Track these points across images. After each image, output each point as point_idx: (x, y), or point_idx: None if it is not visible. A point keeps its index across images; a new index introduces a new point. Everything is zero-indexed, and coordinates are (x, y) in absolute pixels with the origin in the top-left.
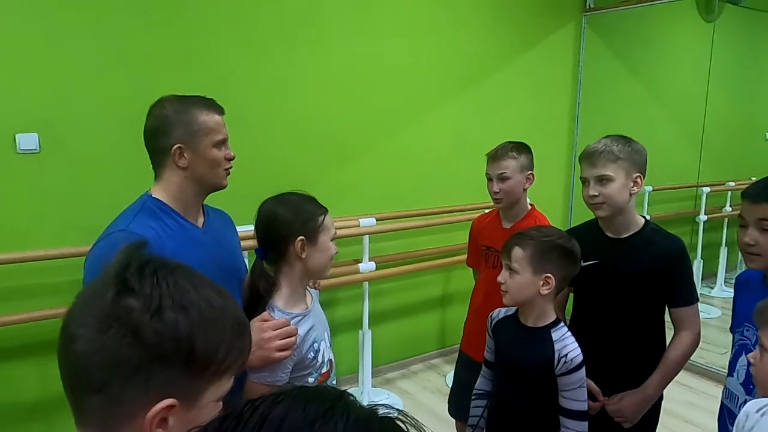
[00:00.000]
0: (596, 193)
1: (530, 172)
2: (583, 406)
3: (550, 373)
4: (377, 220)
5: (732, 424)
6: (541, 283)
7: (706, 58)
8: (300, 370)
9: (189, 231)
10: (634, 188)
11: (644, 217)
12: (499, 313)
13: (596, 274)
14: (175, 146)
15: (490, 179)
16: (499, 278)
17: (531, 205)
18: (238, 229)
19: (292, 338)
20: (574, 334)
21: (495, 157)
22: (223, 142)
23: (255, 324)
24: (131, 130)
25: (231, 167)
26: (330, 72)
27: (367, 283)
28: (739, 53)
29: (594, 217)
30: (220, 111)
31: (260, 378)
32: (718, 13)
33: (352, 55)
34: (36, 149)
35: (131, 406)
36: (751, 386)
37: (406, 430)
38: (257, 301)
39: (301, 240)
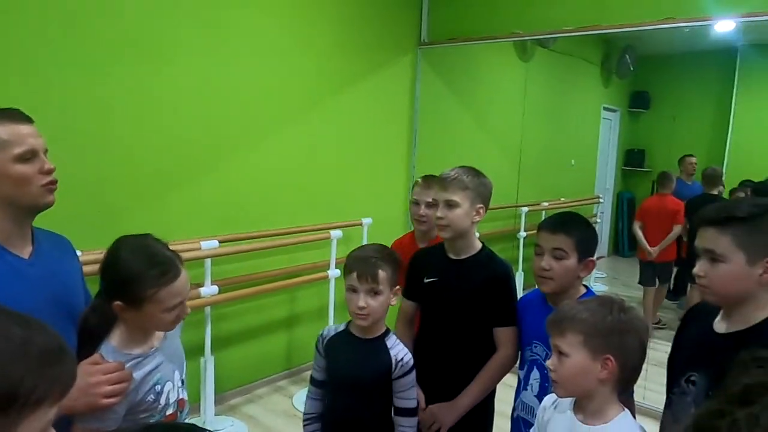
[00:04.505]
0: (443, 216)
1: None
2: (414, 403)
3: (389, 379)
4: (220, 242)
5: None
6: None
7: (522, 94)
8: (137, 413)
9: (10, 263)
10: (476, 217)
11: (482, 242)
12: (329, 331)
13: (436, 290)
14: None
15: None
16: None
17: None
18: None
19: (124, 384)
20: (419, 345)
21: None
22: (29, 156)
23: (83, 367)
24: None
25: (54, 181)
26: (173, 90)
27: (209, 307)
28: (549, 89)
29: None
30: (23, 120)
31: (87, 424)
32: (531, 54)
33: (196, 74)
34: None
35: None
36: (544, 396)
37: None
38: (87, 338)
39: (119, 305)
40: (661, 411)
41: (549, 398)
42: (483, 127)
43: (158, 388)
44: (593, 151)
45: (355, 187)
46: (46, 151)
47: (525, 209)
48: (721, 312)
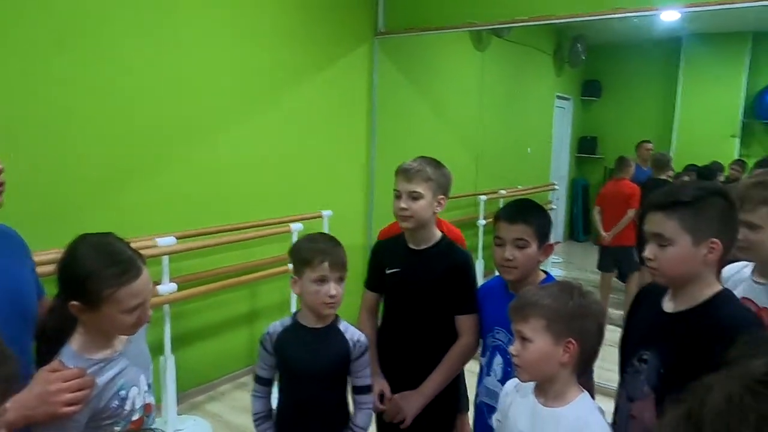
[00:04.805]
0: (406, 207)
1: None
2: (369, 380)
3: (347, 362)
4: (177, 238)
5: (491, 417)
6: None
7: (479, 83)
8: (100, 420)
9: None
10: (438, 207)
11: (442, 233)
12: (275, 327)
13: (398, 280)
14: None
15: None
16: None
17: None
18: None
19: (86, 391)
20: (383, 335)
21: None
22: None
23: (42, 374)
24: None
25: (2, 183)
26: (123, 84)
27: (167, 305)
28: (505, 78)
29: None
30: None
31: None
32: (486, 44)
33: (146, 67)
34: None
35: None
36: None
37: None
38: (46, 342)
39: (75, 305)
40: (615, 388)
41: (511, 383)
42: (441, 116)
43: (123, 393)
44: (548, 139)
45: (315, 180)
46: None
47: (484, 197)
48: (669, 292)
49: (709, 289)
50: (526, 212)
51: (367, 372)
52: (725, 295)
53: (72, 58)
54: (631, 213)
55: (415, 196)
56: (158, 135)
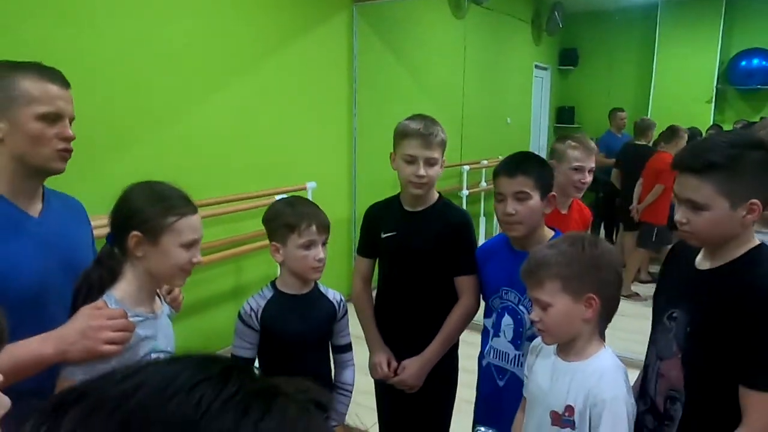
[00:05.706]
0: (424, 174)
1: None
2: (350, 337)
3: (333, 323)
4: None
5: (501, 379)
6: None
7: (461, 52)
8: None
9: (12, 217)
10: (440, 171)
11: (439, 192)
12: (256, 302)
13: (395, 244)
14: None
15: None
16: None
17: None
18: None
19: (127, 333)
20: (381, 302)
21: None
22: (53, 117)
23: (85, 310)
24: None
25: (70, 149)
26: (95, 56)
27: None
28: (485, 48)
29: (398, 192)
30: (56, 81)
31: (74, 373)
32: (466, 11)
33: (123, 38)
34: None
35: None
36: (519, 341)
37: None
38: (87, 292)
39: (137, 236)
40: (624, 357)
41: (538, 340)
42: (423, 86)
43: (153, 356)
44: (527, 109)
45: (297, 151)
46: (72, 119)
47: (466, 168)
48: (702, 250)
49: (744, 247)
50: (525, 163)
51: (348, 330)
52: (762, 250)
53: (42, 29)
54: (658, 188)
55: (432, 162)
56: (134, 108)
